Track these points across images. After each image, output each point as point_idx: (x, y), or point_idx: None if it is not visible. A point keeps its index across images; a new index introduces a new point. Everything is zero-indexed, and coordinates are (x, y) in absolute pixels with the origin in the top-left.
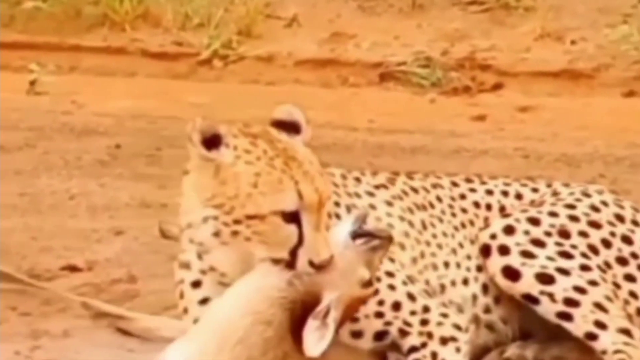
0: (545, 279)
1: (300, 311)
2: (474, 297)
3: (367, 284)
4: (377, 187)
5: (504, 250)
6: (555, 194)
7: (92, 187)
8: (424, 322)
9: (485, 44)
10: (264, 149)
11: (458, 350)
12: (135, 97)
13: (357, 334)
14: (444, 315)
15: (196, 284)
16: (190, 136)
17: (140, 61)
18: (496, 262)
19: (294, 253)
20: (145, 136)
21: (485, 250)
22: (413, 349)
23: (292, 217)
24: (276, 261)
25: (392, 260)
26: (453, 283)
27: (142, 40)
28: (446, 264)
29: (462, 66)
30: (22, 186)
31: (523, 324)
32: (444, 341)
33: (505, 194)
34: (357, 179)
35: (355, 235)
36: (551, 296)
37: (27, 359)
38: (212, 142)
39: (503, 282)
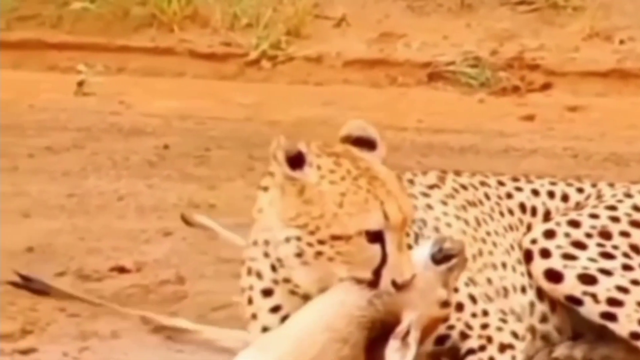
0: (587, 279)
1: (378, 331)
2: (532, 305)
3: (445, 304)
4: (430, 187)
5: (545, 253)
6: (599, 195)
7: (140, 187)
8: (484, 326)
9: (534, 44)
10: (347, 169)
11: (514, 358)
12: (183, 98)
13: None
14: (503, 321)
15: (267, 293)
16: (275, 155)
17: (188, 62)
18: (538, 266)
19: (377, 273)
20: (193, 137)
21: (528, 256)
22: (471, 352)
23: (376, 237)
24: (359, 280)
25: None
26: (514, 288)
27: (190, 41)
28: (504, 265)
29: (510, 66)
30: (70, 187)
31: (573, 324)
32: (502, 348)
33: (551, 194)
34: (411, 181)
35: (435, 259)
36: (594, 297)
37: None
38: (295, 161)
39: (546, 285)
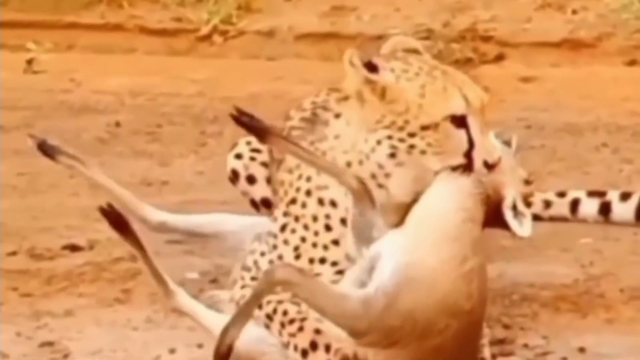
0: None
1: (490, 208)
2: None
3: (527, 182)
4: None
5: None
6: None
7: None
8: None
9: (486, 15)
10: (418, 65)
11: None
12: (135, 74)
13: None
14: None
15: (343, 221)
16: (351, 61)
17: (139, 38)
18: None
19: (468, 156)
20: (145, 113)
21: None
22: None
23: (461, 122)
24: (454, 168)
25: None
26: None
27: (141, 17)
28: None
29: (463, 38)
30: (21, 166)
31: None
32: None
33: None
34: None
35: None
36: None
37: (29, 340)
38: (369, 67)
39: None
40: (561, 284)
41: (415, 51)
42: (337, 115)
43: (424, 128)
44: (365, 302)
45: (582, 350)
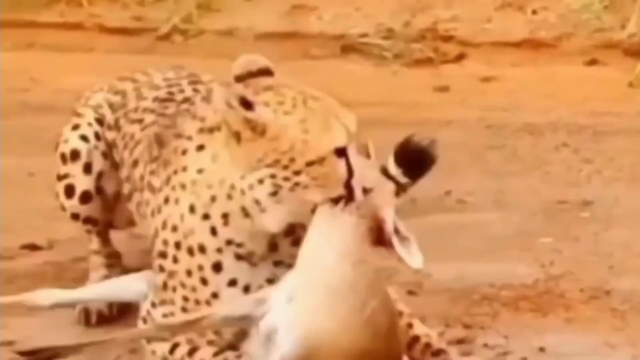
0: None
1: (374, 236)
2: None
3: (397, 192)
4: None
5: None
6: None
7: (51, 165)
8: None
9: (446, 15)
10: (292, 96)
11: None
12: (94, 73)
13: None
14: None
15: (217, 267)
16: (228, 103)
17: (99, 37)
18: None
19: (347, 186)
20: None
21: None
22: None
23: (343, 151)
24: (334, 200)
25: None
26: None
27: (100, 16)
28: None
29: (424, 37)
30: None
31: None
32: None
33: None
34: None
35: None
36: None
37: None
38: (244, 105)
39: None
40: (521, 284)
41: (267, 72)
42: (200, 148)
43: (310, 164)
44: None
45: (542, 349)
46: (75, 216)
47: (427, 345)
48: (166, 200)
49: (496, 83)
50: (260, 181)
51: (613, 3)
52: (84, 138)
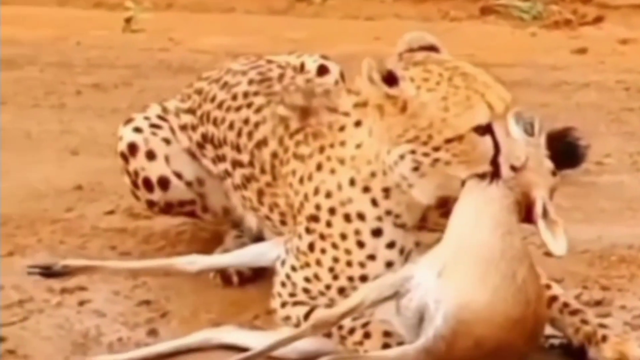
0: None
1: (522, 212)
2: None
3: (554, 172)
4: None
5: None
6: None
7: None
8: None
9: None
10: (439, 72)
11: None
12: (233, 34)
13: None
14: None
15: (377, 232)
16: (370, 77)
17: None
18: None
19: (494, 163)
20: None
21: None
22: None
23: (486, 129)
24: (481, 176)
25: None
26: None
27: None
28: None
29: None
30: (118, 125)
31: None
32: None
33: None
34: None
35: (528, 132)
36: None
37: (127, 299)
38: (389, 79)
39: None
40: None
41: (432, 48)
42: (357, 124)
43: (449, 141)
44: (425, 352)
45: None
46: (169, 206)
47: (565, 305)
48: (319, 168)
49: (635, 45)
50: (402, 157)
51: None
52: (137, 129)
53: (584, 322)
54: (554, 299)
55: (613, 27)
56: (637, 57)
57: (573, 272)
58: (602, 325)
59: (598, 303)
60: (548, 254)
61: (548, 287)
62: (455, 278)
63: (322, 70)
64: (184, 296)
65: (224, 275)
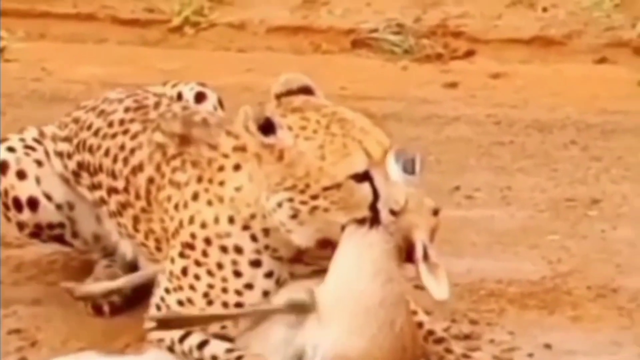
0: None
1: (402, 256)
2: None
3: (435, 211)
4: None
5: None
6: None
7: None
8: None
9: (457, 11)
10: (316, 120)
11: None
12: (106, 64)
13: None
14: None
15: (256, 263)
16: (246, 127)
17: (111, 28)
18: None
19: (373, 208)
20: None
21: None
22: None
23: (364, 176)
24: (360, 221)
25: None
26: None
27: (113, 7)
28: None
29: (434, 33)
30: None
31: None
32: None
33: None
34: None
35: (407, 170)
36: None
37: None
38: (266, 127)
39: None
40: (528, 281)
41: (307, 90)
42: (237, 167)
43: (326, 189)
44: None
45: (548, 346)
46: (38, 227)
47: (430, 332)
48: (195, 197)
49: (505, 80)
50: (279, 204)
51: (623, 1)
52: (10, 149)
53: (448, 351)
54: (419, 325)
55: (484, 62)
56: (508, 92)
57: (442, 305)
58: (466, 356)
59: (467, 337)
60: (418, 286)
61: (415, 313)
62: (334, 324)
63: (200, 98)
64: (55, 325)
65: (94, 304)
